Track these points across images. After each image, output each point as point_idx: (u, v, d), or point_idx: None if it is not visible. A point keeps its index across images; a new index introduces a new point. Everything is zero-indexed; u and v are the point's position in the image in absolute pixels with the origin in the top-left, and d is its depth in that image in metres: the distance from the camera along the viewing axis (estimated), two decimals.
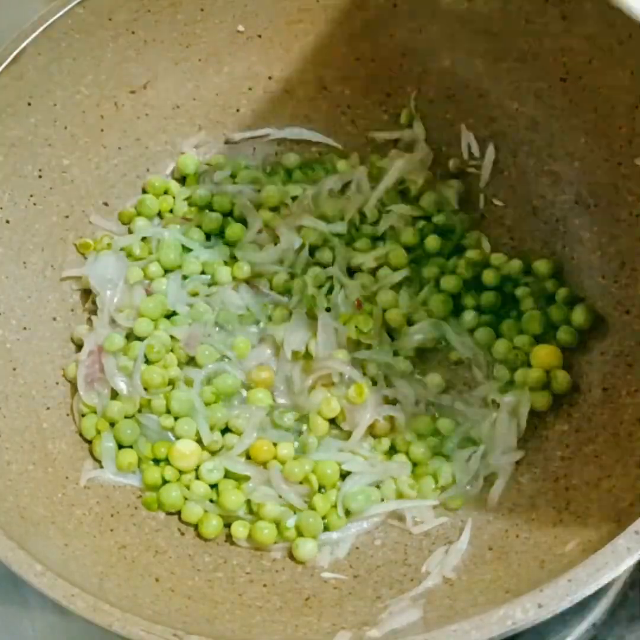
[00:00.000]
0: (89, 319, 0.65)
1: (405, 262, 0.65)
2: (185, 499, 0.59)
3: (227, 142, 0.72)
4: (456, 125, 0.68)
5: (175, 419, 0.60)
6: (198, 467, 0.59)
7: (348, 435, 0.60)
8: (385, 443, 0.60)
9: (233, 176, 0.70)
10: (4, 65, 0.60)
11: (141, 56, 0.67)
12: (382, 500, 0.59)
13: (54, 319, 0.64)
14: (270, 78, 0.71)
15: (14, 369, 0.60)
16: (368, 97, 0.70)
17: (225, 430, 0.61)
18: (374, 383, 0.61)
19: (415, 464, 0.60)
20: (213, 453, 0.60)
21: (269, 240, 0.67)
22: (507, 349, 0.62)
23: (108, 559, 0.54)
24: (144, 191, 0.70)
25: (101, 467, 0.60)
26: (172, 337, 0.63)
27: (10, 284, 0.63)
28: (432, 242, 0.66)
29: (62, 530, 0.54)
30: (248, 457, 0.60)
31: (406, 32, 0.67)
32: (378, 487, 0.59)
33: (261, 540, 0.57)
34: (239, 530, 0.58)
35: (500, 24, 0.64)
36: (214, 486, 0.59)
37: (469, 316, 0.63)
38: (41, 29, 0.61)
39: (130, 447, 0.60)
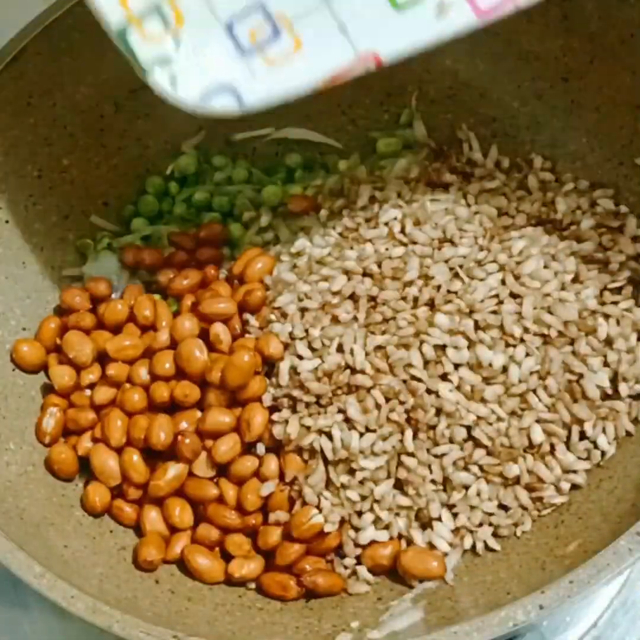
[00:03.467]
0: None
1: None
2: None
3: (227, 142, 0.71)
4: (457, 125, 0.68)
5: None
6: None
7: None
8: None
9: (233, 176, 0.70)
10: (3, 64, 0.60)
11: None
12: None
13: None
14: None
15: (14, 369, 0.60)
16: (368, 96, 0.70)
17: None
18: None
19: None
20: None
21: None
22: None
23: (108, 560, 0.54)
24: (144, 191, 0.70)
25: None
26: None
27: (10, 284, 0.62)
28: None
29: (61, 532, 0.54)
30: None
31: None
32: None
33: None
34: None
35: (501, 24, 0.64)
36: None
37: None
38: (41, 28, 0.61)
39: None
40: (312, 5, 0.50)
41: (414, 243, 0.58)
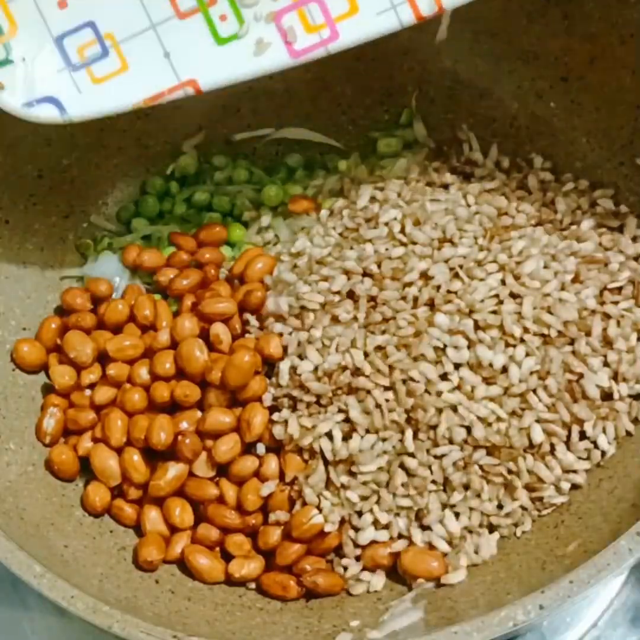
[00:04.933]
0: None
1: None
2: None
3: (227, 142, 0.71)
4: (457, 125, 0.68)
5: None
6: None
7: None
8: None
9: (233, 176, 0.70)
10: None
11: None
12: None
13: None
14: (270, 78, 0.70)
15: (14, 369, 0.60)
16: (368, 96, 0.70)
17: None
18: None
19: None
20: None
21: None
22: None
23: (108, 560, 0.54)
24: (144, 191, 0.70)
25: None
26: None
27: (10, 284, 0.62)
28: None
29: (61, 532, 0.54)
30: None
31: (407, 31, 0.66)
32: None
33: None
34: None
35: (502, 24, 0.64)
36: None
37: None
38: None
39: None
40: (140, 29, 0.53)
41: (414, 243, 0.58)
